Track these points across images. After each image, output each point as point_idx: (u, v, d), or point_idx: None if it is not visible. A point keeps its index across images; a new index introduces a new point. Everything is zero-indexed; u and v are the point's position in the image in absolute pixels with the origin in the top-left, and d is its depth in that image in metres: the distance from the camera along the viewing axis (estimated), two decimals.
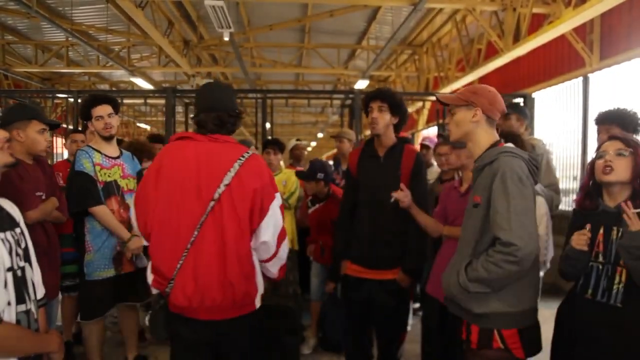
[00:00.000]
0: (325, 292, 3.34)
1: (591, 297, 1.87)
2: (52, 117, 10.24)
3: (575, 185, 6.30)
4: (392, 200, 2.51)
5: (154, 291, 2.01)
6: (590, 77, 6.09)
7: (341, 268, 2.82)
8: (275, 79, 13.50)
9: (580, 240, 1.86)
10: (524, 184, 1.79)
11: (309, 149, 25.21)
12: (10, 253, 1.49)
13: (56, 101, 10.01)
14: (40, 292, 1.68)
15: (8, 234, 1.52)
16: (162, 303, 1.98)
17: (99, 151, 2.97)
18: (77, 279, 3.14)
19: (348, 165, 2.91)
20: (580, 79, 6.22)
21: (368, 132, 2.82)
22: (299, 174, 3.93)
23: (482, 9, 6.79)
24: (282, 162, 4.51)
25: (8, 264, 1.47)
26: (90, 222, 2.92)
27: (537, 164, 1.93)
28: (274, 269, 2.09)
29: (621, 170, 1.84)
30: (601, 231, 1.88)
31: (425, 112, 11.63)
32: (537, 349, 1.91)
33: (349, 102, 7.10)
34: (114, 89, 13.13)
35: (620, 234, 1.81)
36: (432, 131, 10.48)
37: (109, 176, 2.97)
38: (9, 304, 1.45)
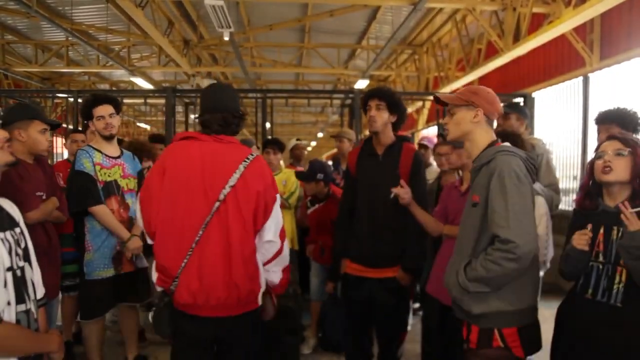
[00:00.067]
0: (325, 292, 3.35)
1: (591, 297, 1.87)
2: (52, 116, 10.24)
3: (575, 185, 6.30)
4: (392, 196, 2.51)
5: (158, 289, 2.02)
6: (591, 76, 6.09)
7: (341, 267, 2.82)
8: (275, 78, 13.51)
9: (581, 240, 1.86)
10: (522, 182, 1.79)
11: (309, 148, 25.21)
12: (10, 253, 1.50)
13: (56, 101, 10.01)
14: (40, 291, 1.68)
15: (8, 233, 1.52)
16: (166, 300, 1.99)
17: (99, 151, 2.97)
18: (77, 278, 3.14)
19: (347, 165, 2.91)
20: (580, 78, 6.22)
21: (368, 132, 2.82)
22: (298, 175, 3.93)
23: (482, 9, 6.79)
24: (282, 162, 4.51)
25: (8, 264, 1.47)
26: (90, 221, 2.92)
27: (534, 163, 1.93)
28: (277, 267, 2.09)
29: (620, 170, 1.84)
30: (601, 231, 1.88)
31: (425, 111, 11.62)
32: (537, 347, 1.91)
33: (349, 101, 7.10)
34: (114, 88, 13.13)
35: (620, 233, 1.81)
36: (432, 131, 10.49)
37: (109, 176, 2.97)
38: (8, 303, 1.45)
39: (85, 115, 3.03)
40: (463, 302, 1.87)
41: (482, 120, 1.93)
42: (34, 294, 1.60)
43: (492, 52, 7.31)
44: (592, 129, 2.97)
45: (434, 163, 4.28)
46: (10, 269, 1.48)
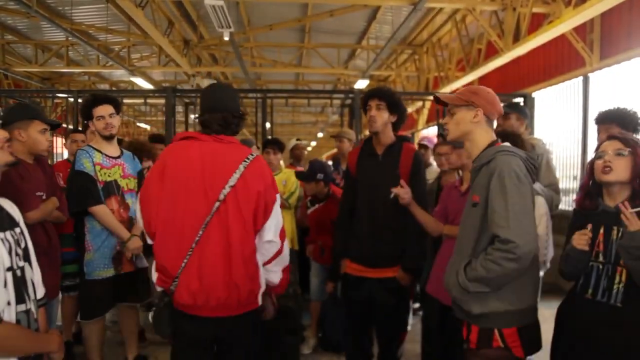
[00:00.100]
0: (326, 292, 3.34)
1: (591, 297, 1.87)
2: (52, 116, 10.24)
3: (575, 185, 6.30)
4: (392, 196, 2.50)
5: (158, 289, 2.02)
6: (591, 76, 6.09)
7: (341, 267, 2.82)
8: (275, 78, 13.51)
9: (581, 240, 1.86)
10: (522, 182, 1.79)
11: (309, 148, 25.22)
12: (9, 253, 1.50)
13: (56, 101, 10.01)
14: (40, 291, 1.68)
15: (7, 233, 1.52)
16: (166, 300, 1.99)
17: (99, 151, 2.97)
18: (77, 278, 3.14)
19: (347, 165, 2.91)
20: (581, 78, 6.22)
21: (368, 132, 2.83)
22: (298, 175, 3.93)
23: (482, 9, 6.79)
24: (282, 162, 4.51)
25: (8, 264, 1.47)
26: (90, 221, 2.92)
27: (534, 163, 1.93)
28: (277, 267, 2.09)
29: (620, 170, 1.84)
30: (601, 231, 1.88)
31: (425, 111, 11.62)
32: (537, 347, 1.91)
33: (349, 101, 7.10)
34: (114, 88, 13.14)
35: (620, 233, 1.81)
36: (432, 131, 10.48)
37: (109, 176, 2.97)
38: (8, 303, 1.45)
39: (85, 115, 3.03)
40: (463, 302, 1.87)
41: (482, 120, 1.94)
42: (34, 294, 1.60)
43: (492, 52, 7.31)
44: (592, 129, 2.97)
45: (434, 163, 4.28)
46: (10, 269, 1.48)
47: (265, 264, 2.05)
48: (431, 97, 7.11)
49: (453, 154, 2.75)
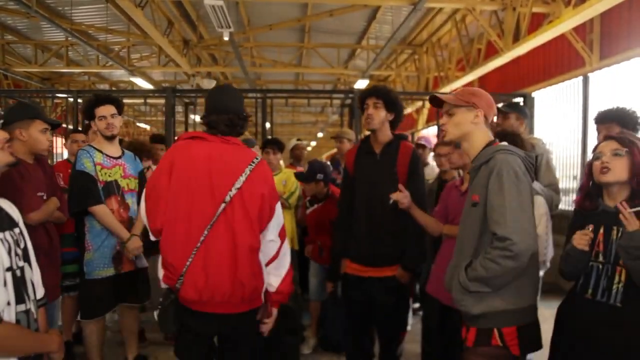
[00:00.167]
0: (325, 292, 3.34)
1: (591, 297, 1.86)
2: (52, 116, 10.22)
3: (575, 184, 6.30)
4: (391, 202, 2.51)
5: (164, 286, 2.03)
6: (590, 76, 6.09)
7: (341, 267, 2.82)
8: (275, 78, 13.51)
9: (582, 240, 1.85)
10: (520, 180, 1.79)
11: (309, 148, 25.21)
12: (9, 253, 1.50)
13: (56, 101, 10.02)
14: (40, 292, 1.68)
15: (7, 234, 1.52)
16: (172, 298, 2.00)
17: (100, 151, 2.98)
18: (77, 278, 3.14)
19: (345, 164, 2.92)
20: (580, 78, 6.22)
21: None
22: (297, 176, 3.93)
23: (482, 9, 6.79)
24: (282, 162, 4.51)
25: (7, 264, 1.47)
26: (90, 221, 2.93)
27: (532, 162, 1.93)
28: (276, 270, 2.10)
29: (618, 170, 1.84)
30: (601, 231, 1.88)
31: (425, 111, 11.63)
32: (537, 346, 1.90)
33: (348, 101, 7.10)
34: (113, 88, 13.13)
35: (620, 233, 1.81)
36: (432, 131, 10.48)
37: (109, 176, 2.97)
38: (8, 303, 1.45)
39: (87, 115, 3.04)
40: (463, 302, 1.87)
41: (482, 121, 1.94)
42: (33, 294, 1.60)
43: (492, 52, 7.31)
44: (592, 128, 2.96)
45: (432, 162, 4.28)
46: (9, 269, 1.48)
47: (267, 264, 2.07)
48: None
49: (455, 154, 2.75)
